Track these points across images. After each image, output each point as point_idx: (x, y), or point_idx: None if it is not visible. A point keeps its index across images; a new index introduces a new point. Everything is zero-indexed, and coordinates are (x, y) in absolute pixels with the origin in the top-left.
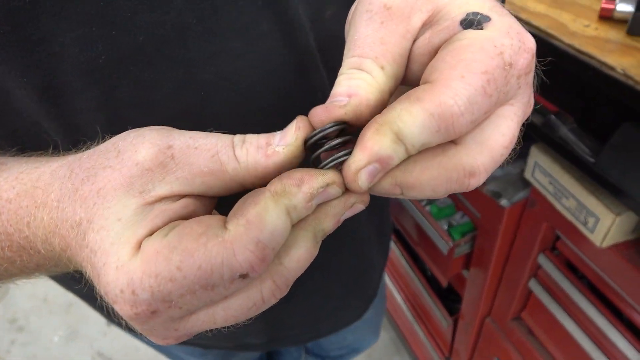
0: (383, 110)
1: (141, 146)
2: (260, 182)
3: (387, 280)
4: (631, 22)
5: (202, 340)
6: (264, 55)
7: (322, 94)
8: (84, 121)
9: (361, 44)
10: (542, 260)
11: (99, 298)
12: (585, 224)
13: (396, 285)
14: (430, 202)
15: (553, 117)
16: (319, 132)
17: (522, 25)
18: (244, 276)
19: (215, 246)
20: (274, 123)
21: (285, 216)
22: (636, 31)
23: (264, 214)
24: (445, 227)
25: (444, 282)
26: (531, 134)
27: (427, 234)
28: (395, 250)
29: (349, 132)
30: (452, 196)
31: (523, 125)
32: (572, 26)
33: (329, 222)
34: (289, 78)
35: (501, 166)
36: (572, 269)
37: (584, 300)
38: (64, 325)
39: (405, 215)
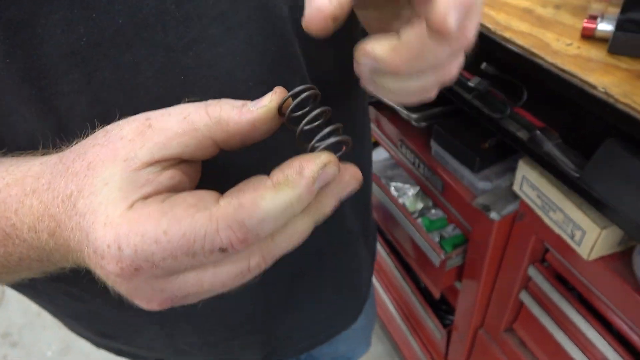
0: None
1: (126, 124)
2: (231, 139)
3: (380, 291)
4: (612, 41)
5: (196, 358)
6: (243, 42)
7: (300, 82)
8: (65, 104)
9: None
10: (532, 272)
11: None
12: (572, 237)
13: (389, 297)
14: (422, 214)
15: (539, 132)
16: (291, 93)
17: (506, 44)
18: (223, 250)
19: (201, 218)
20: None
21: (284, 208)
22: (617, 50)
23: (258, 201)
24: (437, 239)
25: (436, 294)
26: (518, 148)
27: (419, 246)
28: (388, 262)
29: (321, 102)
30: (444, 208)
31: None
32: (555, 45)
33: (329, 201)
34: (268, 65)
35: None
36: (562, 281)
37: (574, 312)
38: (57, 339)
39: (398, 228)
